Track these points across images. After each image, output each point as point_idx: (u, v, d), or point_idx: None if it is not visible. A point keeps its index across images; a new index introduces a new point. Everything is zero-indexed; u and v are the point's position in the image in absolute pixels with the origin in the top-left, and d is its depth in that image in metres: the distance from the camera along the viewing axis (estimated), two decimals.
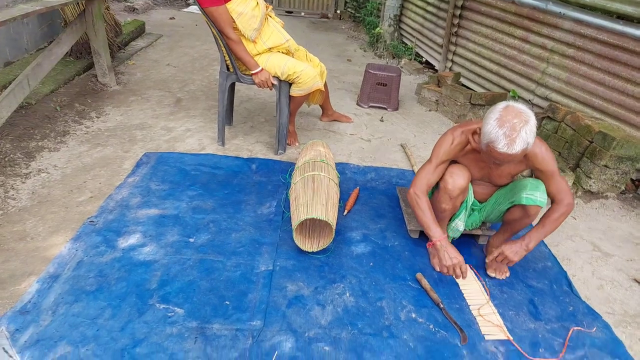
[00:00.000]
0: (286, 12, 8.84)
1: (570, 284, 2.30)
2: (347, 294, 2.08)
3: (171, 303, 1.92)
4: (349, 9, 8.19)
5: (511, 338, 1.94)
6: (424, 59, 5.79)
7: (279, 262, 2.23)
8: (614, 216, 2.97)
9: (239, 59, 2.90)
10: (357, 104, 4.40)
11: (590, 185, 3.03)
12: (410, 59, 5.87)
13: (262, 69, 2.91)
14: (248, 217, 2.53)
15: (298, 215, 2.22)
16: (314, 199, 2.27)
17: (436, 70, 5.37)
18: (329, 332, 1.87)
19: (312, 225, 2.41)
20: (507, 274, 2.29)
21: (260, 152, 3.27)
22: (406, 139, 3.76)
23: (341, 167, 3.17)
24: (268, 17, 2.97)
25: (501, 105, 1.85)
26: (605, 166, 2.93)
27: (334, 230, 2.23)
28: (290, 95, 3.06)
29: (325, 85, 3.58)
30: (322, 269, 2.22)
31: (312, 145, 2.89)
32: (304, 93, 3.02)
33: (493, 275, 2.28)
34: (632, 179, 3.27)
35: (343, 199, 2.79)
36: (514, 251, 2.05)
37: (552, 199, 2.09)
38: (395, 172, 3.23)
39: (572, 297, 2.23)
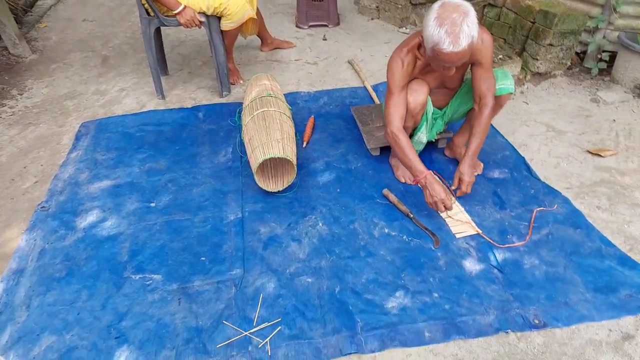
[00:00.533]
0: None
1: (529, 168, 2.39)
2: (320, 224, 2.10)
3: (147, 271, 1.90)
4: None
5: (480, 231, 2.02)
6: None
7: (247, 207, 2.20)
8: (563, 93, 3.03)
9: (156, 1, 2.65)
10: (297, 26, 4.18)
11: (537, 67, 3.05)
12: None
13: (184, 7, 2.68)
14: (206, 169, 2.46)
15: (255, 157, 2.16)
16: (269, 137, 2.21)
17: None
18: (308, 264, 1.90)
19: (274, 165, 2.36)
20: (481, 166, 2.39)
21: (205, 98, 3.12)
22: (353, 55, 3.64)
23: (292, 97, 3.08)
24: None
25: (437, 3, 1.77)
26: (550, 45, 2.93)
27: (295, 166, 2.19)
28: (222, 31, 2.87)
29: (258, 12, 3.36)
30: (292, 206, 2.21)
31: (255, 80, 2.76)
32: (236, 25, 2.83)
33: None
34: (576, 53, 3.31)
35: (299, 131, 2.73)
36: (469, 172, 2.05)
37: (480, 98, 2.04)
38: (348, 92, 3.16)
39: (532, 180, 2.32)
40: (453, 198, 2.17)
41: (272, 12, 4.52)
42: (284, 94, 3.07)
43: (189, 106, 3.02)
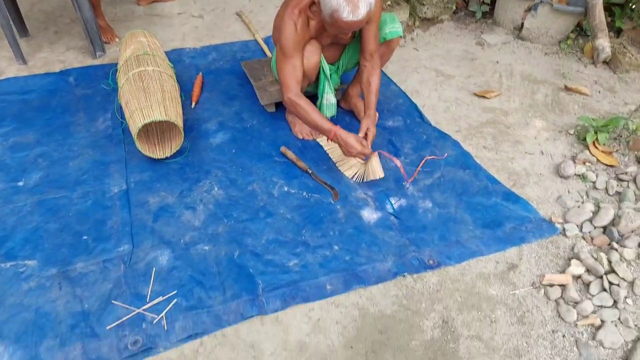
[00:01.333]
0: None
1: (421, 115, 2.43)
2: (216, 188, 1.98)
3: (19, 258, 1.67)
4: None
5: (382, 174, 1.98)
6: None
7: (133, 177, 2.01)
8: (450, 38, 3.11)
9: None
10: None
11: (424, 12, 3.08)
12: None
13: None
14: (83, 139, 2.20)
15: (134, 122, 1.96)
16: (148, 99, 2.00)
17: None
18: (204, 231, 1.80)
19: (160, 129, 2.17)
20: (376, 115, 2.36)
21: (77, 60, 2.77)
22: (241, 6, 3.42)
23: (176, 54, 2.83)
24: None
25: None
26: None
27: (182, 128, 2.03)
28: None
29: None
30: (184, 171, 2.06)
31: (130, 37, 2.48)
32: None
33: None
34: None
35: (187, 90, 2.53)
36: (372, 125, 2.03)
37: (370, 55, 2.01)
38: (238, 46, 2.98)
39: (424, 126, 2.36)
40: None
41: None
42: (168, 51, 2.83)
43: (58, 70, 2.67)
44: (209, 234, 1.79)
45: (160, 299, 1.55)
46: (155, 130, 2.17)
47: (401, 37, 2.12)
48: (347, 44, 2.15)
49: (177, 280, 1.62)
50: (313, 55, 1.98)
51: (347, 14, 1.65)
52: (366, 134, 2.01)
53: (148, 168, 2.06)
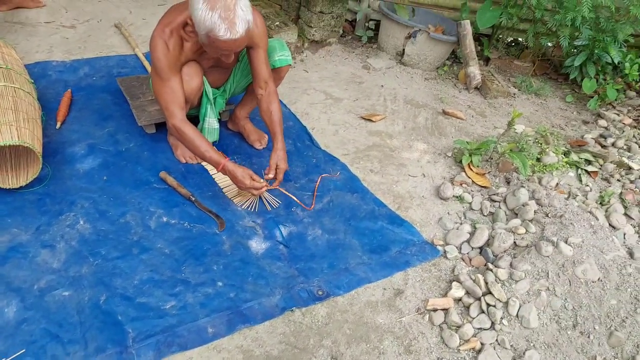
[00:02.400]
0: None
1: (311, 138, 2.41)
2: (82, 222, 1.75)
3: None
4: None
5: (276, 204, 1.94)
6: None
7: None
8: (339, 61, 3.16)
9: None
10: None
11: (313, 35, 3.10)
12: None
13: None
14: None
15: None
16: None
17: None
18: (65, 273, 1.57)
19: (14, 154, 1.88)
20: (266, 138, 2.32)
21: None
22: (121, 18, 3.17)
23: (41, 68, 2.52)
24: None
25: None
26: (321, 12, 3.00)
27: (38, 153, 1.77)
28: None
29: None
30: (43, 203, 1.80)
31: None
32: None
33: (259, 146, 2.31)
34: (348, 21, 3.48)
35: (52, 109, 2.24)
36: (284, 159, 1.94)
37: (265, 82, 1.93)
38: (115, 61, 2.74)
39: (314, 149, 2.34)
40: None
41: None
42: (30, 65, 2.52)
43: None
44: (70, 276, 1.56)
45: None
46: (9, 155, 1.88)
47: (290, 65, 2.08)
48: (231, 66, 2.06)
49: (27, 336, 1.37)
50: (193, 78, 1.86)
51: (224, 32, 1.55)
52: (277, 168, 1.92)
53: None
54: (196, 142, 1.81)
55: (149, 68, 2.67)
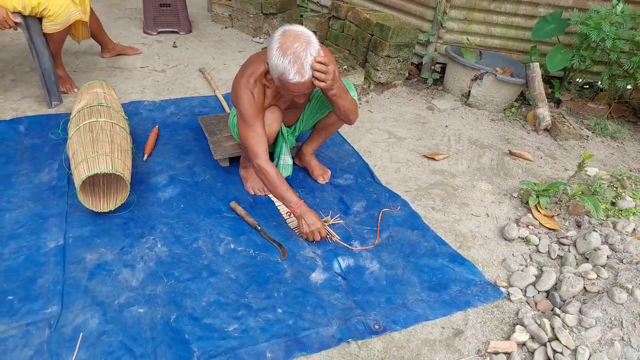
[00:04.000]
0: None
1: (372, 174, 2.47)
2: (159, 245, 1.92)
3: None
4: None
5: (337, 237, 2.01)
6: None
7: (72, 232, 1.93)
8: (403, 102, 3.24)
9: None
10: (145, 32, 3.91)
11: (379, 77, 3.22)
12: None
13: None
14: (24, 191, 2.11)
15: (79, 174, 1.91)
16: (95, 151, 1.97)
17: None
18: (142, 291, 1.71)
19: (107, 181, 2.11)
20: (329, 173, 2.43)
21: (31, 109, 2.72)
22: (205, 63, 3.49)
23: (134, 107, 2.83)
24: None
25: (278, 32, 1.73)
26: (388, 56, 3.12)
27: (128, 181, 1.98)
28: (45, 34, 2.52)
29: (94, 15, 3.06)
30: (127, 226, 1.99)
31: (87, 88, 2.47)
32: (61, 27, 2.51)
33: (322, 181, 2.39)
34: (414, 64, 3.57)
35: (141, 143, 2.50)
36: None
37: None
38: (197, 101, 3.01)
39: (375, 185, 2.40)
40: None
41: (117, 17, 4.18)
42: (125, 104, 2.83)
43: (8, 118, 2.60)
44: (146, 294, 1.70)
45: None
46: (102, 182, 2.11)
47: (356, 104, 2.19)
48: (303, 105, 2.20)
49: (106, 347, 1.51)
50: (274, 122, 2.02)
51: (294, 76, 1.70)
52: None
53: (90, 222, 1.99)
54: (276, 183, 1.94)
55: (227, 108, 2.90)
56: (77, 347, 1.50)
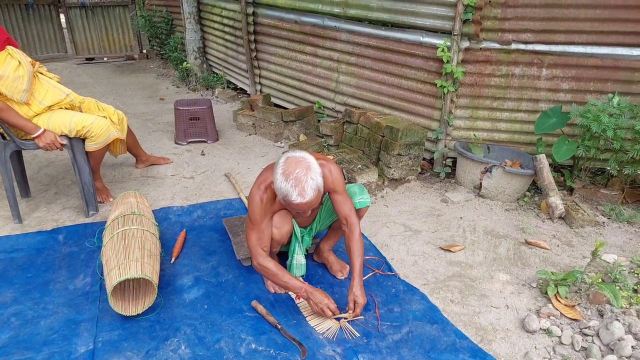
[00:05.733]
0: (86, 59, 8.24)
1: (390, 268, 2.54)
2: (183, 347, 1.99)
3: None
4: (154, 47, 7.96)
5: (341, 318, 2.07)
6: (237, 86, 5.90)
7: (101, 336, 2.02)
8: (417, 196, 3.38)
9: (11, 125, 2.59)
10: (176, 143, 4.28)
11: (392, 174, 3.40)
12: (224, 88, 5.93)
13: (44, 131, 2.64)
14: (59, 298, 2.25)
15: (110, 280, 2.05)
16: (126, 257, 2.13)
17: (249, 95, 5.51)
18: None
19: (135, 285, 2.25)
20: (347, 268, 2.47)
21: (69, 219, 2.96)
22: (230, 168, 3.77)
23: (164, 213, 3.04)
24: (38, 74, 2.71)
25: (282, 158, 1.97)
26: (399, 154, 3.33)
27: (155, 284, 2.11)
28: (86, 152, 2.84)
29: (130, 131, 3.41)
30: (153, 329, 2.08)
31: (122, 198, 2.71)
32: (101, 146, 2.83)
33: (341, 276, 2.49)
34: (426, 159, 3.77)
35: (169, 246, 2.67)
36: (361, 294, 2.11)
37: (345, 220, 2.18)
38: (223, 204, 3.21)
39: (393, 279, 2.46)
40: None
41: (152, 130, 4.60)
42: (156, 210, 3.04)
43: (50, 228, 2.84)
44: None
45: None
46: (132, 286, 2.24)
47: (369, 206, 2.34)
48: (316, 210, 2.36)
49: None
50: (284, 225, 2.20)
51: (296, 197, 1.89)
52: (355, 303, 2.09)
53: (119, 326, 2.08)
54: (278, 275, 2.10)
55: None
56: None
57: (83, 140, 2.80)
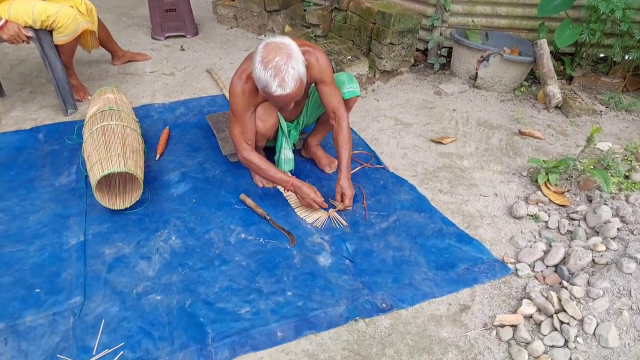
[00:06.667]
0: None
1: (379, 161, 2.50)
2: (174, 238, 2.00)
3: None
4: None
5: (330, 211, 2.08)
6: None
7: (91, 229, 2.03)
8: (410, 89, 3.25)
9: None
10: (153, 38, 4.02)
11: (384, 65, 3.23)
12: None
13: (6, 22, 2.43)
14: (46, 194, 2.22)
15: (94, 174, 2.00)
16: (107, 152, 2.06)
17: None
18: (158, 281, 1.80)
19: (122, 181, 2.21)
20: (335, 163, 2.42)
21: (48, 118, 2.85)
22: (212, 64, 3.57)
23: (145, 110, 2.92)
24: None
25: (261, 44, 1.79)
26: (391, 43, 3.13)
27: (140, 179, 2.07)
28: (56, 45, 2.64)
29: (102, 24, 3.16)
30: (142, 222, 2.08)
31: (99, 94, 2.58)
32: (70, 38, 2.62)
33: (329, 171, 2.44)
34: (420, 50, 3.57)
35: (153, 144, 2.59)
36: (348, 186, 2.08)
37: (334, 113, 2.07)
38: (206, 101, 3.09)
39: (381, 172, 2.43)
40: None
41: (126, 25, 4.31)
42: (137, 107, 2.93)
43: (28, 127, 2.73)
44: (162, 283, 1.79)
45: (107, 351, 1.53)
46: (118, 182, 2.21)
47: (359, 96, 2.22)
48: (302, 102, 2.25)
49: (126, 332, 1.60)
50: (269, 117, 2.08)
51: (276, 89, 1.74)
52: (343, 195, 2.08)
53: (107, 220, 2.08)
54: (264, 168, 2.06)
55: None
56: (100, 332, 1.59)
57: (51, 32, 2.59)
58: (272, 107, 2.09)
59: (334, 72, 2.12)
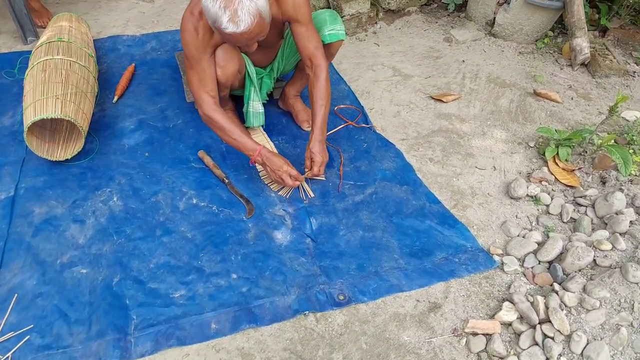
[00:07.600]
0: None
1: (366, 119, 2.18)
2: (115, 199, 1.76)
3: None
4: None
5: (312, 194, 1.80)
6: None
7: (25, 182, 1.80)
8: (416, 33, 2.82)
9: None
10: None
11: (388, 3, 2.79)
12: None
13: None
14: None
15: (26, 120, 1.74)
16: (44, 94, 1.78)
17: None
18: (88, 250, 1.58)
19: (70, 127, 1.94)
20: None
21: (5, 46, 2.55)
22: None
23: (111, 43, 2.59)
24: None
25: None
26: None
27: (80, 127, 1.80)
28: None
29: None
30: (84, 177, 1.84)
31: (53, 22, 2.26)
32: None
33: (307, 127, 2.10)
34: None
35: (114, 82, 2.30)
36: (321, 150, 1.75)
37: (310, 60, 1.73)
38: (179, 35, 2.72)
39: (367, 132, 2.11)
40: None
41: None
42: (103, 39, 2.61)
43: None
44: (92, 254, 1.57)
45: (11, 334, 1.34)
46: (65, 127, 1.94)
47: (342, 40, 1.86)
48: (275, 45, 1.90)
49: (39, 311, 1.41)
50: (229, 62, 1.72)
51: (227, 24, 1.39)
52: (312, 161, 1.75)
53: (45, 172, 1.84)
54: (228, 130, 1.69)
55: None
56: (9, 309, 1.40)
57: None
58: (234, 50, 1.74)
59: (314, 9, 1.75)
